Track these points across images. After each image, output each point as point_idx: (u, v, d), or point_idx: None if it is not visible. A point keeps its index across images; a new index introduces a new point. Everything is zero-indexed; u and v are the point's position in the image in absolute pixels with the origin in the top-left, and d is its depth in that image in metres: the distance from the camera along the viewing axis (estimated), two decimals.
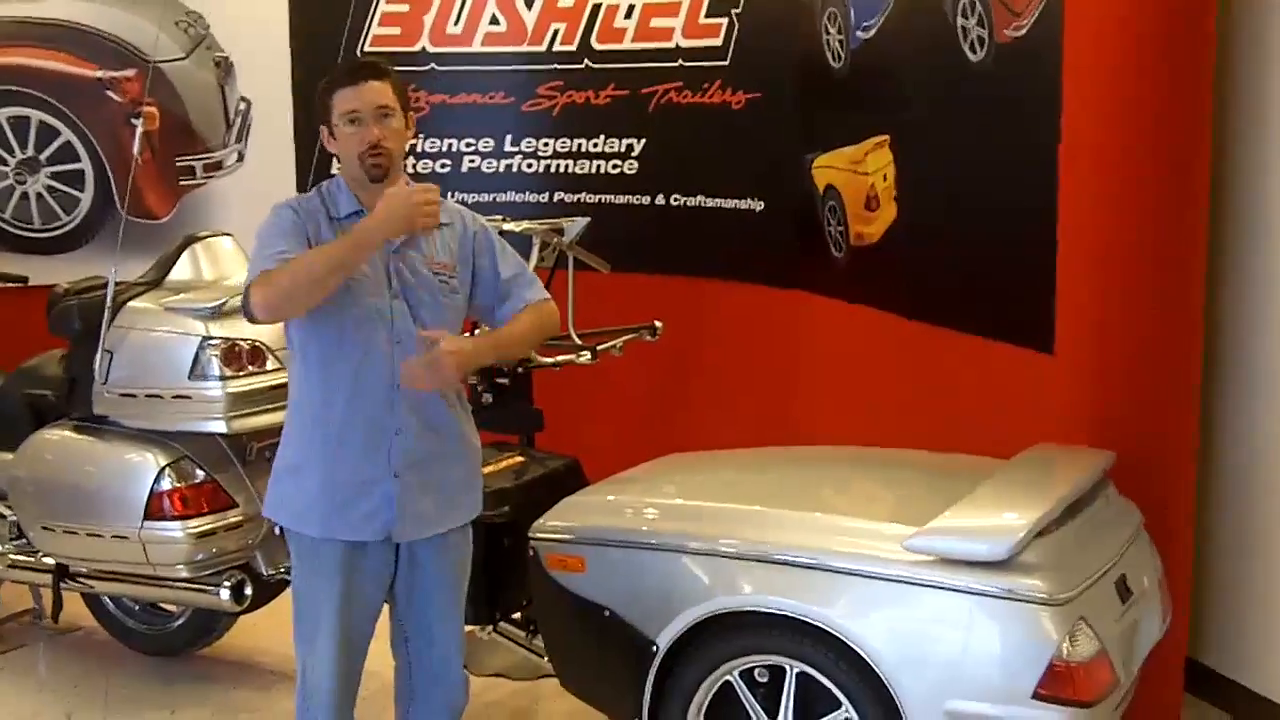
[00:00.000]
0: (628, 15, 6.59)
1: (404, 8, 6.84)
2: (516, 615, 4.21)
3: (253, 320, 3.26)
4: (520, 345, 3.57)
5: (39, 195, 6.88)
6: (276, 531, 3.54)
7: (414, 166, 6.79)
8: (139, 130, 5.35)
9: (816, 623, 3.34)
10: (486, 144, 6.86)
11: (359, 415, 3.30)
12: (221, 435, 4.56)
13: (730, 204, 6.43)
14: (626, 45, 6.61)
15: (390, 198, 3.16)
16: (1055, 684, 3.12)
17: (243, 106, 7.02)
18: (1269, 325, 4.35)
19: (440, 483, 3.42)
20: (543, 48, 6.73)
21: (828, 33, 5.77)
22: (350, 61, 3.34)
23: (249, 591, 4.58)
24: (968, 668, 3.20)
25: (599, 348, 4.73)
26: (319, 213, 3.33)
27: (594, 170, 6.74)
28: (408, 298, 3.31)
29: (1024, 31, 4.45)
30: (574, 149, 6.77)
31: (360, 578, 3.38)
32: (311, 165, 6.41)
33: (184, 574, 4.54)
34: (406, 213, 3.15)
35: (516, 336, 3.47)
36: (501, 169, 6.86)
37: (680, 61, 6.51)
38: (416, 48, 6.82)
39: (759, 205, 6.34)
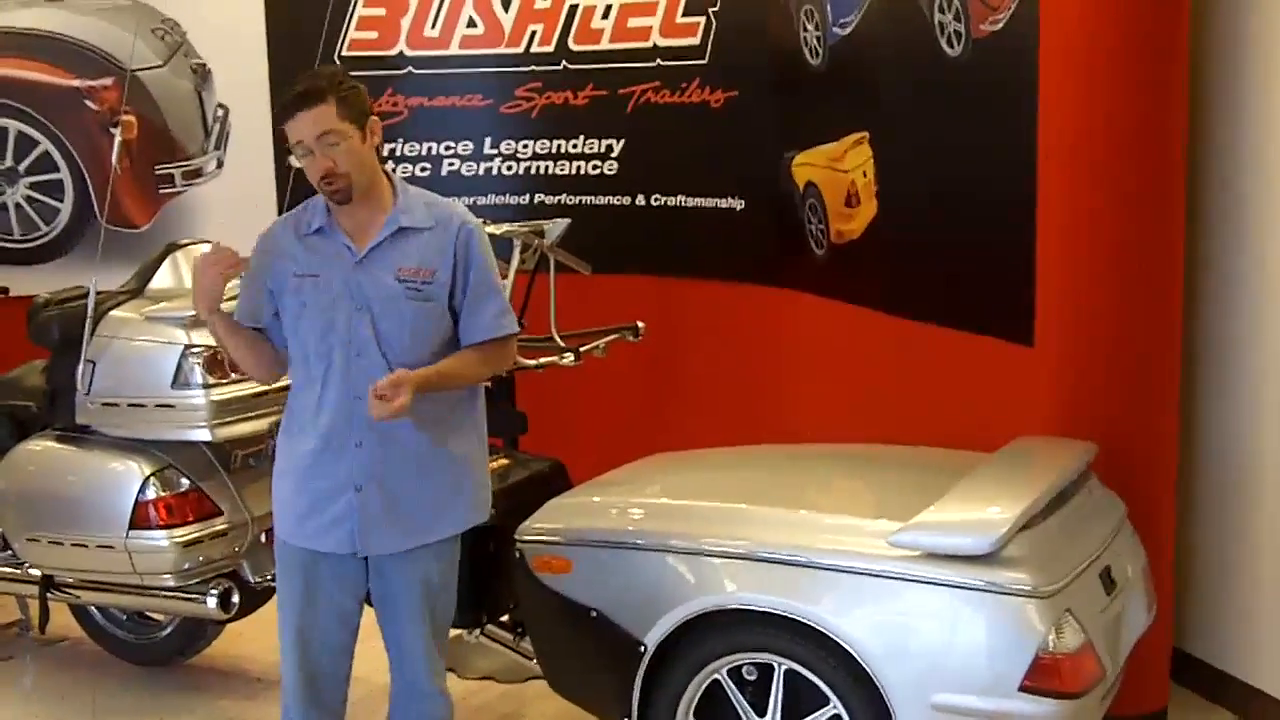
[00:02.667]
0: (605, 15, 6.59)
1: (380, 11, 6.83)
2: (504, 618, 4.21)
3: None
4: (466, 380, 3.45)
5: (18, 206, 6.86)
6: (263, 539, 3.55)
7: (393, 171, 6.77)
8: (117, 139, 5.34)
9: (803, 620, 3.35)
10: (466, 147, 6.85)
11: (323, 426, 3.33)
12: (205, 443, 4.55)
13: (711, 203, 6.44)
14: (604, 46, 6.61)
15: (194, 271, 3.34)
16: (1042, 676, 3.13)
17: (221, 113, 7.00)
18: (1248, 314, 4.37)
19: (405, 496, 3.37)
20: (520, 49, 6.73)
21: (805, 30, 5.78)
22: (289, 90, 3.26)
23: (236, 599, 4.56)
24: (954, 661, 3.22)
25: (582, 349, 4.74)
26: (297, 229, 3.38)
27: (574, 171, 6.74)
28: (370, 309, 3.29)
29: (1000, 26, 4.47)
30: (553, 150, 6.77)
31: (321, 583, 3.40)
32: (290, 171, 6.42)
33: (170, 583, 4.53)
34: (199, 289, 3.30)
35: (465, 372, 3.39)
36: (481, 171, 6.85)
37: (658, 61, 6.51)
38: (394, 51, 6.81)
39: (739, 204, 6.35)
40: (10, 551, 4.86)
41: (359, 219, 3.34)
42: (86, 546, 4.57)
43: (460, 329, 3.41)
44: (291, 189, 5.60)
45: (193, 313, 4.46)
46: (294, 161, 3.34)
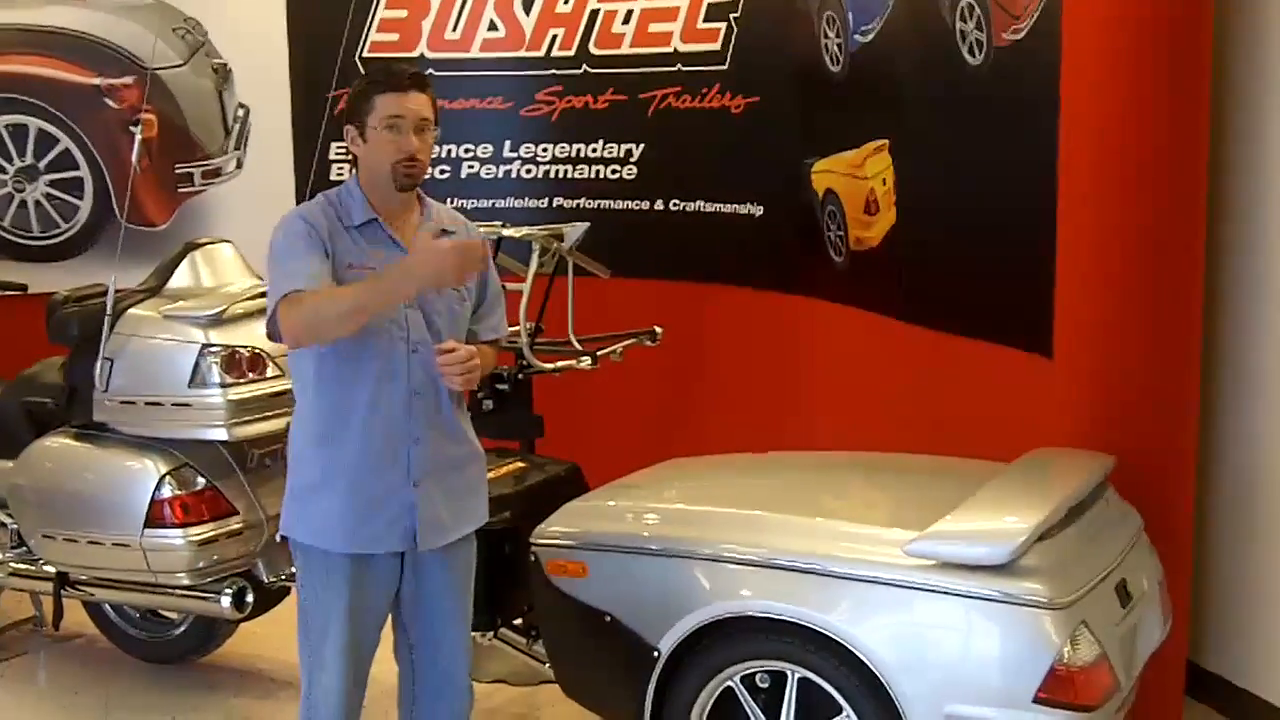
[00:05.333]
0: (626, 20, 6.60)
1: (402, 13, 6.85)
2: (517, 621, 4.21)
3: (275, 340, 3.26)
4: (486, 372, 3.60)
5: (38, 203, 6.88)
6: (278, 539, 3.54)
7: None
8: (137, 138, 5.33)
9: (818, 628, 3.34)
10: (485, 150, 6.86)
11: (378, 428, 3.29)
12: (222, 443, 4.56)
13: (730, 209, 6.44)
14: (625, 50, 6.62)
15: (427, 255, 3.09)
16: (1056, 688, 3.12)
17: (241, 113, 7.03)
18: (1267, 327, 4.35)
19: (455, 488, 3.43)
20: (541, 53, 6.74)
21: (826, 36, 5.77)
22: (397, 67, 3.32)
23: (250, 599, 4.57)
24: (969, 672, 3.21)
25: (599, 353, 4.74)
26: (332, 221, 3.30)
27: (593, 175, 6.75)
28: (423, 306, 3.31)
29: (1022, 35, 4.46)
30: (573, 154, 6.77)
31: (368, 589, 3.38)
32: (310, 172, 6.44)
33: (185, 581, 4.54)
34: (440, 272, 3.11)
35: (488, 364, 3.54)
36: (501, 174, 6.86)
37: (679, 66, 6.52)
38: (415, 53, 6.82)
39: (758, 210, 6.35)
40: (26, 548, 4.88)
41: (400, 219, 3.36)
42: (102, 544, 4.58)
43: (484, 326, 3.51)
44: (311, 189, 5.62)
45: (211, 311, 4.49)
46: (354, 145, 3.30)
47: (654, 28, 6.56)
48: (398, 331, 3.28)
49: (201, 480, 4.54)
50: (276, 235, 3.28)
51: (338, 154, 6.78)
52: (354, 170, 3.40)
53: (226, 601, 4.53)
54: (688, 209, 6.57)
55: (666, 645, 3.54)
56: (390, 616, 3.51)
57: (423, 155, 3.29)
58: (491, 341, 3.54)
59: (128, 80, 6.77)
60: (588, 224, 4.98)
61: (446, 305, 3.35)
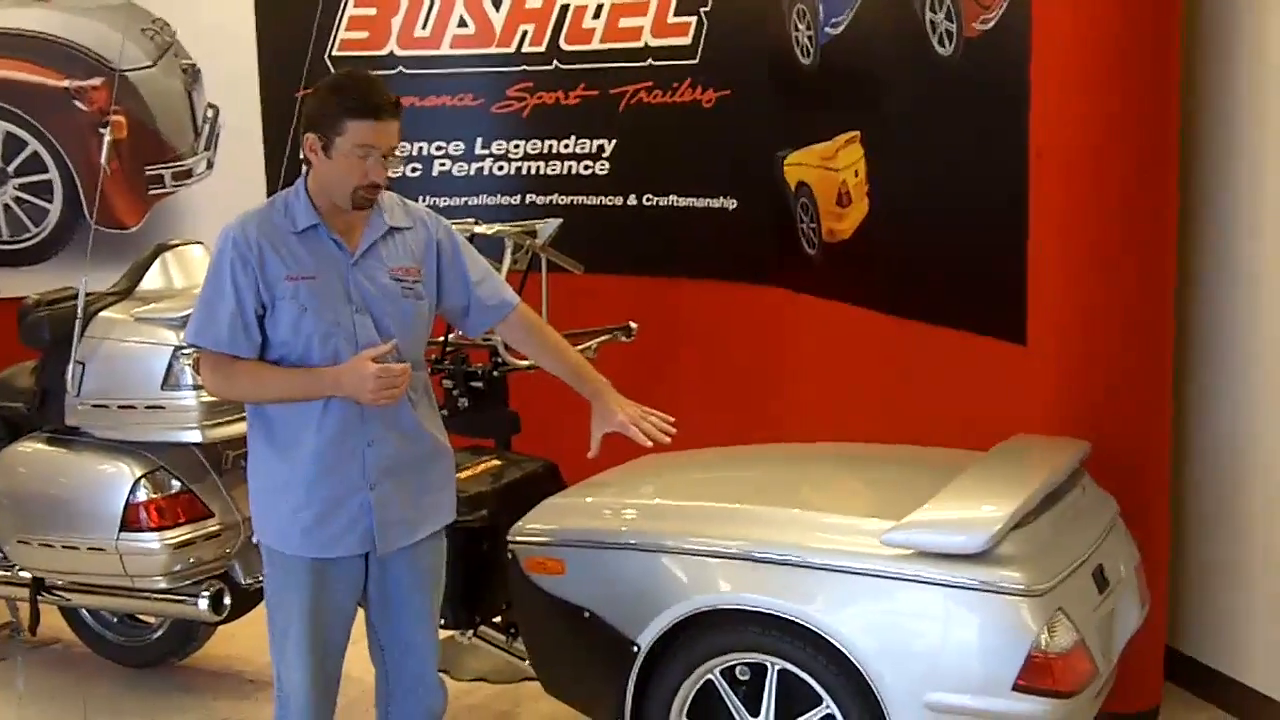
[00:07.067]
0: (596, 15, 6.58)
1: (371, 11, 6.82)
2: (497, 619, 4.20)
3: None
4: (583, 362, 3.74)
5: (7, 207, 6.84)
6: (254, 540, 3.53)
7: None
8: (107, 139, 5.32)
9: (796, 619, 3.34)
10: (457, 147, 6.84)
11: (331, 432, 3.27)
12: (196, 445, 4.54)
13: (702, 203, 6.43)
14: (595, 45, 6.60)
15: (353, 373, 3.16)
16: (1035, 675, 3.13)
17: (211, 114, 6.99)
18: (1241, 313, 4.37)
19: (415, 488, 3.40)
20: (511, 49, 6.72)
21: (797, 29, 5.78)
22: (373, 92, 3.18)
23: (227, 601, 4.56)
24: (947, 660, 3.22)
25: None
26: (276, 230, 3.26)
27: (565, 171, 6.73)
28: (370, 309, 3.28)
29: (992, 25, 4.47)
30: (545, 150, 6.76)
31: (329, 589, 3.37)
32: (281, 171, 6.40)
33: (162, 585, 4.52)
34: (361, 392, 3.17)
35: (576, 356, 3.66)
36: (472, 172, 6.84)
37: (650, 61, 6.51)
38: (384, 51, 6.80)
39: (731, 204, 6.35)
40: (1, 554, 4.85)
41: (348, 218, 3.31)
42: (77, 549, 4.55)
43: (480, 309, 3.49)
44: (281, 189, 5.58)
45: (183, 313, 4.46)
46: (315, 156, 3.22)
47: (624, 22, 6.55)
48: (345, 336, 3.25)
49: (176, 483, 4.52)
50: (214, 249, 3.30)
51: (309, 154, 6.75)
52: (305, 171, 3.31)
53: (204, 604, 4.51)
54: (661, 204, 6.56)
55: (646, 640, 3.54)
56: (363, 613, 3.50)
57: (384, 180, 3.25)
58: (530, 315, 3.58)
59: (96, 82, 6.73)
60: (560, 220, 4.98)
61: (396, 307, 3.31)
